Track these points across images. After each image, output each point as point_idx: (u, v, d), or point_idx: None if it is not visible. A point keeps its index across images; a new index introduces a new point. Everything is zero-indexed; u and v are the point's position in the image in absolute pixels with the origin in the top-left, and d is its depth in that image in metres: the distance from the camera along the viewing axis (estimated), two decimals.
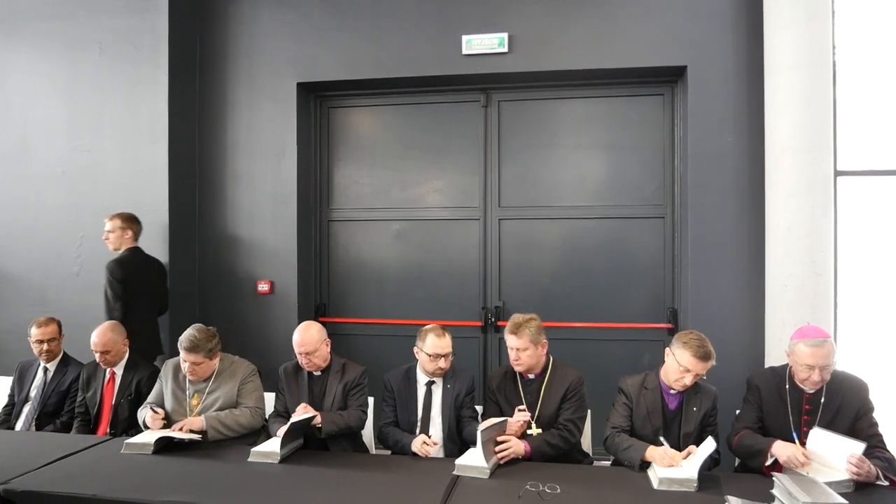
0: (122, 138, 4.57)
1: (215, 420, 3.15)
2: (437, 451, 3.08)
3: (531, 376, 3.17)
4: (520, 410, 3.02)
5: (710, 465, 2.74)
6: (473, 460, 2.73)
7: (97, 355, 3.58)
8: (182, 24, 4.62)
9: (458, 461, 2.74)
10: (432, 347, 3.17)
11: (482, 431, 2.71)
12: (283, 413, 3.30)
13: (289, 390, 3.34)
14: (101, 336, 3.56)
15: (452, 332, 4.46)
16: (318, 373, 3.32)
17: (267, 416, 3.40)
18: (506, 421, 2.93)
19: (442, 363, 3.18)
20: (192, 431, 3.09)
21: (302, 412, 3.07)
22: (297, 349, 3.23)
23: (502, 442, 2.86)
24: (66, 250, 4.63)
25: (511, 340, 3.09)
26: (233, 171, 4.74)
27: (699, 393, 2.93)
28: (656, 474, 2.58)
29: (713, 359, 2.82)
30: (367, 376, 3.36)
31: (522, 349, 3.06)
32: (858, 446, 2.54)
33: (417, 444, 3.01)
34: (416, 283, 4.74)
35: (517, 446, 2.87)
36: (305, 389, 3.30)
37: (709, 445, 2.66)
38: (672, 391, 2.94)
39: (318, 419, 3.09)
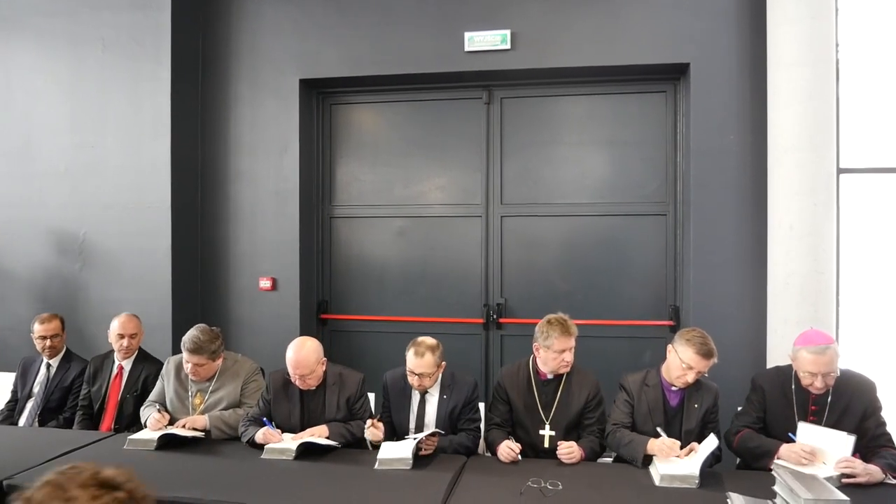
0: (124, 135, 4.57)
1: (219, 420, 3.16)
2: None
3: (550, 376, 3.11)
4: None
5: (712, 462, 2.74)
6: (395, 453, 2.77)
7: (123, 341, 3.61)
8: (185, 19, 4.61)
9: (380, 455, 2.77)
10: (409, 363, 3.06)
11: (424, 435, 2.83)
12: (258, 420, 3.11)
13: (276, 404, 3.15)
14: (128, 321, 3.67)
15: (454, 329, 4.57)
16: (313, 388, 3.15)
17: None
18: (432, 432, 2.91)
19: (416, 381, 3.06)
20: (194, 429, 3.09)
21: (312, 436, 2.97)
22: (291, 370, 3.05)
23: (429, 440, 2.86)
24: (69, 247, 4.64)
25: (566, 342, 2.98)
26: (235, 167, 4.74)
27: (700, 390, 2.94)
28: (658, 471, 2.59)
29: (715, 356, 2.82)
30: (366, 383, 3.27)
31: (572, 348, 3.01)
32: (847, 439, 2.55)
33: (369, 432, 2.98)
34: (418, 280, 4.74)
35: (578, 452, 2.83)
36: (298, 406, 3.14)
37: (711, 442, 2.67)
38: (673, 388, 2.94)
39: (326, 432, 3.01)
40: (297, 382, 3.09)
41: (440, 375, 3.16)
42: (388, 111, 4.82)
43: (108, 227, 4.59)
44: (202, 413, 3.22)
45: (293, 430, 3.08)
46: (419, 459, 2.79)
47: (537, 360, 3.12)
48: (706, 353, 2.79)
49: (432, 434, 2.89)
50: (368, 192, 4.82)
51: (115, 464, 1.25)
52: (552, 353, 3.01)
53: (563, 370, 3.06)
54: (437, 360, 3.06)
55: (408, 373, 3.09)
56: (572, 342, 3.02)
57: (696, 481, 2.49)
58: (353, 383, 3.20)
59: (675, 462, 2.65)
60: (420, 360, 3.02)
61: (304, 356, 3.04)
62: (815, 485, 2.22)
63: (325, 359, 3.16)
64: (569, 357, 3.02)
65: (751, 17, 4.07)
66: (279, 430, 3.03)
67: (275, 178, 4.67)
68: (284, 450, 2.86)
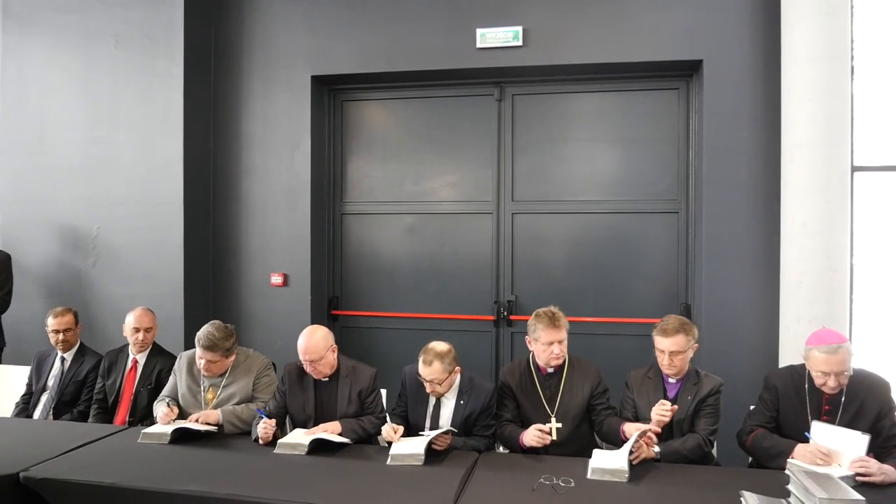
0: (137, 130, 4.59)
1: (231, 414, 3.18)
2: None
3: (550, 370, 3.12)
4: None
5: (698, 457, 2.79)
6: (408, 449, 2.78)
7: (138, 335, 3.67)
8: (197, 15, 4.63)
9: (392, 451, 2.79)
10: (420, 369, 3.02)
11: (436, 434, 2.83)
12: (274, 415, 3.15)
13: (292, 395, 3.20)
14: (143, 315, 3.72)
15: (465, 326, 4.59)
16: (326, 379, 3.20)
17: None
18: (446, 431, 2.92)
19: (429, 388, 3.02)
20: (207, 424, 3.11)
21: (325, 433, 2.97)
22: (301, 356, 3.10)
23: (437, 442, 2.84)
24: (83, 242, 4.68)
25: (553, 334, 3.01)
26: (247, 163, 4.76)
27: (698, 383, 2.98)
28: (589, 464, 2.61)
29: (685, 332, 2.91)
30: (379, 378, 3.27)
31: (562, 340, 3.04)
32: (862, 438, 2.53)
33: (385, 431, 2.99)
34: (429, 276, 4.74)
35: (649, 453, 2.78)
36: (312, 396, 3.18)
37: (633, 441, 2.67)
38: (671, 380, 3.01)
39: (339, 428, 3.02)
40: (309, 369, 3.13)
41: (457, 380, 3.11)
42: (399, 108, 4.82)
43: (120, 223, 4.62)
44: (215, 408, 3.24)
45: (307, 421, 3.13)
46: (431, 455, 2.79)
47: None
48: (666, 332, 2.93)
49: (445, 432, 2.89)
50: (379, 188, 4.83)
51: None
52: (541, 346, 3.05)
53: (555, 363, 3.07)
54: (446, 366, 2.99)
55: (420, 378, 3.06)
56: (561, 334, 3.03)
57: (626, 475, 2.51)
58: (366, 377, 3.22)
59: (608, 456, 2.67)
60: (428, 369, 2.98)
61: (313, 342, 3.09)
62: (830, 484, 2.21)
63: (335, 346, 3.19)
64: (558, 349, 3.03)
65: (765, 14, 4.04)
66: (273, 420, 3.03)
67: (286, 174, 4.68)
68: (297, 445, 2.87)
